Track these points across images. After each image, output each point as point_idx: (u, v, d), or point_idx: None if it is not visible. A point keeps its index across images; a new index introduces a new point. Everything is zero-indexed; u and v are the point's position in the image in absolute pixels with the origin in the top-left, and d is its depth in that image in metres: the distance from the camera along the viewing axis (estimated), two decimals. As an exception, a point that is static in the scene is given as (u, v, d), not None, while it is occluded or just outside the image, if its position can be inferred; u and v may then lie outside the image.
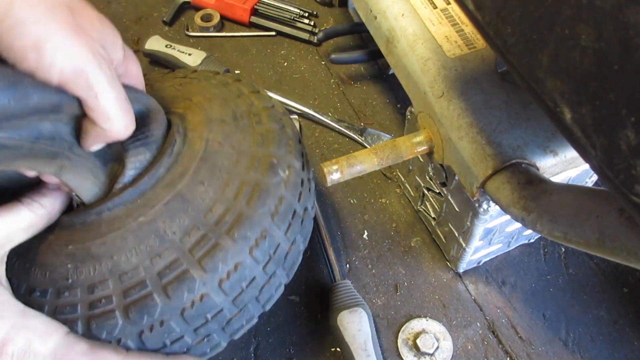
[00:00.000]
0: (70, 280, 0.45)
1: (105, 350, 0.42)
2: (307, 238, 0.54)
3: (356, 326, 0.61)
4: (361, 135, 0.81)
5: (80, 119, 0.42)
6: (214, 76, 0.60)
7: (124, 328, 0.43)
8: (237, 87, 0.58)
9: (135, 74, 0.48)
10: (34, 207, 0.43)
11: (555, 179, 0.54)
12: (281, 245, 0.49)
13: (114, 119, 0.41)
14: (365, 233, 0.73)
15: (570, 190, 0.42)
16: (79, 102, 0.40)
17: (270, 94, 0.84)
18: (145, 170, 0.48)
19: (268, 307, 0.51)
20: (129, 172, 0.48)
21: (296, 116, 0.83)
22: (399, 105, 0.86)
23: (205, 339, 0.47)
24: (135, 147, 0.49)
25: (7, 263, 0.46)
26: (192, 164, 0.49)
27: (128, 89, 0.44)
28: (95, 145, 0.43)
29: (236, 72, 0.89)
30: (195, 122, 0.53)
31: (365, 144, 0.81)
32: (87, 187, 0.47)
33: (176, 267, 0.45)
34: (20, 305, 0.42)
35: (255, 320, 0.50)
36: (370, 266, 0.70)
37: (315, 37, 0.92)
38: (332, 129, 0.83)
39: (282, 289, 0.51)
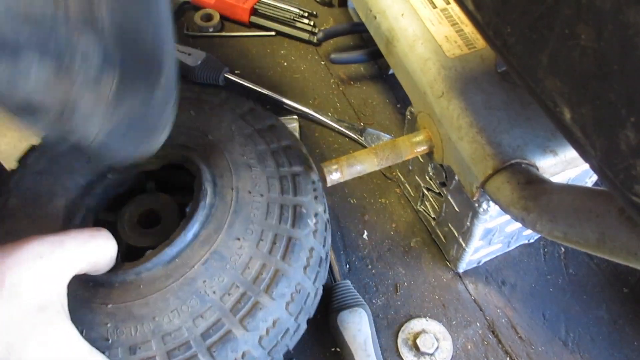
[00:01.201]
0: (110, 340, 0.45)
1: None
2: (326, 277, 0.56)
3: (356, 326, 0.61)
4: (361, 135, 0.81)
5: None
6: (225, 100, 0.60)
7: None
8: (255, 119, 0.58)
9: None
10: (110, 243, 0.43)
11: (555, 178, 0.54)
12: (310, 294, 0.51)
13: None
14: (365, 233, 0.73)
15: (570, 190, 0.42)
16: None
17: (269, 93, 0.85)
18: (180, 227, 0.49)
19: (292, 347, 0.52)
20: None
21: (296, 116, 0.83)
22: (398, 105, 0.86)
23: None
24: None
25: None
26: (225, 217, 0.50)
27: None
28: None
29: (236, 72, 0.89)
30: (222, 168, 0.53)
31: (365, 144, 0.81)
32: None
33: (219, 327, 0.46)
34: (87, 345, 0.42)
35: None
36: (370, 266, 0.70)
37: (315, 37, 0.92)
38: (332, 129, 0.83)
39: (304, 328, 0.53)
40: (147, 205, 0.56)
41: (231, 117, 0.58)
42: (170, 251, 0.48)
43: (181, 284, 0.47)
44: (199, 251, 0.48)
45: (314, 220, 0.52)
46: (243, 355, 0.46)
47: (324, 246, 0.54)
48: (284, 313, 0.48)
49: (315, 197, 0.54)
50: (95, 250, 0.43)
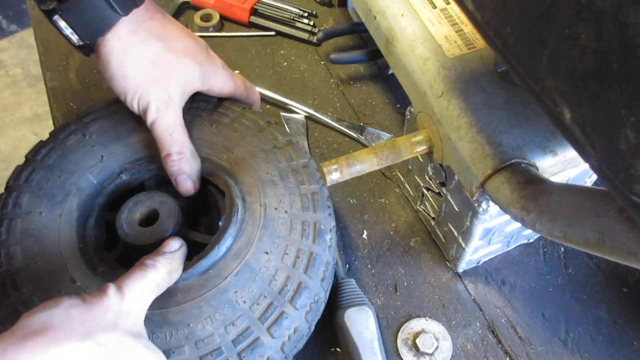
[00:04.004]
0: None
1: None
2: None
3: (363, 324, 0.61)
4: (361, 134, 0.81)
5: None
6: (243, 114, 0.62)
7: None
8: (272, 134, 0.61)
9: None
10: (158, 267, 0.47)
11: (555, 178, 0.54)
12: (323, 303, 0.55)
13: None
14: (365, 233, 0.73)
15: (570, 190, 0.42)
16: None
17: (270, 94, 0.85)
18: (214, 241, 0.53)
19: (300, 348, 0.55)
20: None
21: (303, 116, 0.83)
22: (398, 105, 0.86)
23: None
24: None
25: None
26: (255, 232, 0.54)
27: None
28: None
29: (236, 71, 0.89)
30: (249, 184, 0.57)
31: (366, 143, 0.81)
32: None
33: (248, 334, 0.49)
34: None
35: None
36: (369, 266, 0.70)
37: (315, 37, 0.92)
38: (332, 128, 0.83)
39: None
40: (146, 203, 0.57)
41: (251, 132, 0.61)
42: (204, 263, 0.51)
43: (214, 293, 0.50)
44: (232, 263, 0.52)
45: (329, 236, 0.56)
46: None
47: (334, 258, 0.57)
48: (304, 321, 0.52)
49: (330, 214, 0.57)
50: (147, 282, 0.46)
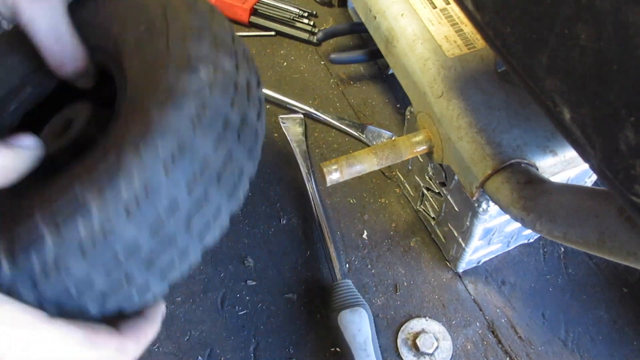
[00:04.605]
0: None
1: (101, 335, 0.36)
2: (253, 153, 0.45)
3: (356, 326, 0.61)
4: (362, 132, 0.81)
5: None
6: None
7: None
8: None
9: None
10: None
11: (555, 178, 0.54)
12: (210, 161, 0.40)
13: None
14: (365, 233, 0.73)
15: (570, 190, 0.42)
16: None
17: (270, 93, 0.85)
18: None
19: (210, 241, 0.42)
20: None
21: (301, 115, 0.83)
22: (398, 105, 0.86)
23: (125, 284, 0.38)
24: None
25: None
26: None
27: None
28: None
29: (236, 71, 0.89)
30: (137, 72, 0.44)
31: (366, 141, 0.81)
32: None
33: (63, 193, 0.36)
34: None
35: (194, 258, 0.41)
36: (369, 266, 0.70)
37: (315, 37, 0.92)
38: (333, 127, 0.83)
39: (225, 217, 0.43)
40: (63, 116, 0.49)
41: None
42: None
43: None
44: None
45: (210, 72, 0.41)
46: (104, 232, 0.36)
47: (232, 106, 0.43)
48: (162, 176, 0.38)
49: (215, 48, 0.43)
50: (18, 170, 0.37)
